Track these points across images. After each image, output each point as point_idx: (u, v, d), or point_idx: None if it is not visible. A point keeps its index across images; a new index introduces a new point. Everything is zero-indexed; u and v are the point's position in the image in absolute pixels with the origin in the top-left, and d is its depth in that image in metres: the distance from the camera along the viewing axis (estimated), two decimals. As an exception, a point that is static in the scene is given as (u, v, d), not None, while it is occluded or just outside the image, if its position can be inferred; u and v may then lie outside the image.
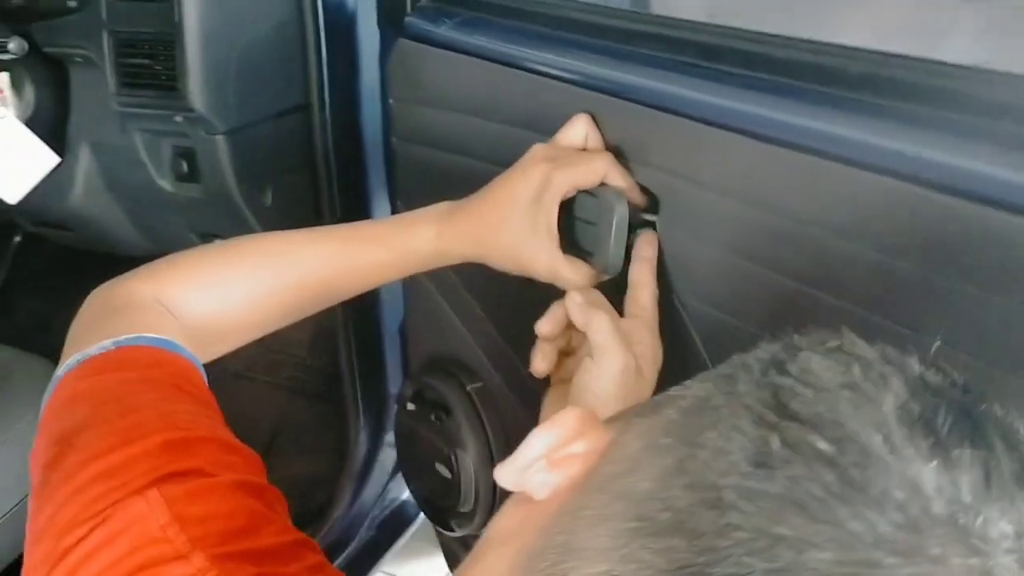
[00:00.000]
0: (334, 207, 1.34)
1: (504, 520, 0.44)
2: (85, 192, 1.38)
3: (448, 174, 1.02)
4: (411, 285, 1.22)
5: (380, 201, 1.36)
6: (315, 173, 1.31)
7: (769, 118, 0.70)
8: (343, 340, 1.41)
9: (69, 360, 0.64)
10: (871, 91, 0.67)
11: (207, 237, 1.38)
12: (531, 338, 0.80)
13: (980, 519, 0.30)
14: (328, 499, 1.54)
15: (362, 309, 1.41)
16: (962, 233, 0.58)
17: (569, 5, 0.96)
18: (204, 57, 1.14)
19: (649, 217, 0.80)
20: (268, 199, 1.30)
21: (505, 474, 0.42)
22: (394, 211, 1.27)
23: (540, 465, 0.41)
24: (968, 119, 0.61)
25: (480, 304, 1.12)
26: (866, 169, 0.63)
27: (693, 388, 0.40)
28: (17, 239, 1.84)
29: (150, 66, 1.17)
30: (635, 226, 0.81)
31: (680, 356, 0.79)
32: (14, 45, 1.14)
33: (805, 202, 0.67)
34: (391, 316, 1.45)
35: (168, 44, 1.15)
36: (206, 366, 0.71)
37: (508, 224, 0.77)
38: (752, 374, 0.37)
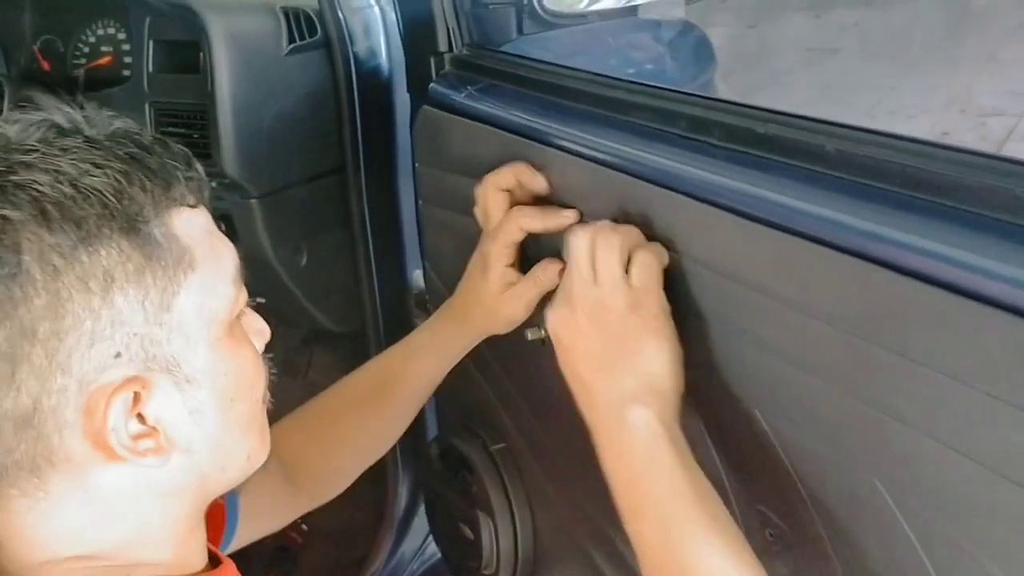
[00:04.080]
0: (370, 269, 1.36)
1: None
2: (135, 251, 1.43)
3: (469, 238, 1.03)
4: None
5: (414, 263, 1.37)
6: (351, 234, 1.34)
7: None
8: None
9: None
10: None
11: (251, 296, 1.41)
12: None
13: None
14: (367, 551, 1.55)
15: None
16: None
17: (587, 77, 0.97)
18: (236, 126, 1.18)
19: None
20: (303, 260, 1.33)
21: None
22: (424, 273, 1.28)
23: None
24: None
25: (501, 366, 1.12)
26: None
27: None
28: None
29: (188, 135, 1.22)
30: None
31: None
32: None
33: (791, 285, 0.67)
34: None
35: (203, 114, 1.20)
36: None
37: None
38: None
